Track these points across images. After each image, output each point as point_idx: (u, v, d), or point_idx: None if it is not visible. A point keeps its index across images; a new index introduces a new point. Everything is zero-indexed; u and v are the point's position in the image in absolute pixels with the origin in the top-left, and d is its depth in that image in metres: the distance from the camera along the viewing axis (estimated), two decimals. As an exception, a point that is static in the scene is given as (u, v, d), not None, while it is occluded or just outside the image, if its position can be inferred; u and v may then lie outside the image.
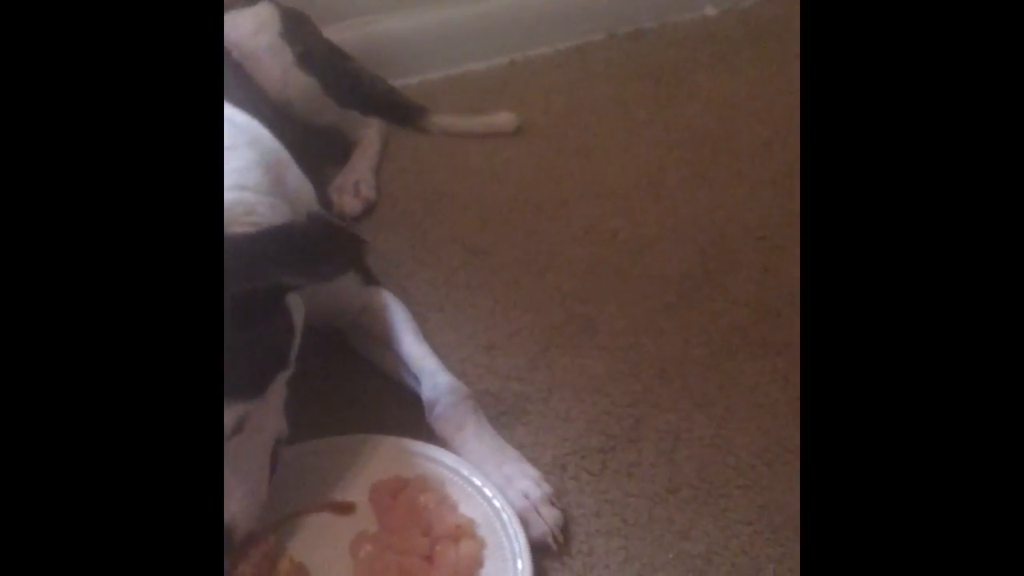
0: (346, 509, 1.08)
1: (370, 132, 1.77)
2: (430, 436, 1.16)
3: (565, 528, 1.08)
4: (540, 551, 1.05)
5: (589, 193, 1.63)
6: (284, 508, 1.06)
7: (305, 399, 1.11)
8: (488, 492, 1.07)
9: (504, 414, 1.24)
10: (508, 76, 2.01)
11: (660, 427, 1.20)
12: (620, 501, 1.12)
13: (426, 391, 1.19)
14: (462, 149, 1.78)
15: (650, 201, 1.60)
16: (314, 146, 1.60)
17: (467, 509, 1.06)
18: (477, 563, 1.01)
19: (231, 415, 0.94)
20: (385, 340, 1.28)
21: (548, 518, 1.06)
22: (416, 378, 1.22)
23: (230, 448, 0.95)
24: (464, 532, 1.03)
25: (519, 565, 1.00)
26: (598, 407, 1.24)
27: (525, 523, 1.05)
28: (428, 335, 1.30)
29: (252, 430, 0.99)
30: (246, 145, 1.13)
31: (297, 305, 1.06)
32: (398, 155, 1.78)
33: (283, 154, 1.22)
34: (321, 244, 0.99)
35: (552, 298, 1.42)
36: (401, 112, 1.83)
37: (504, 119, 1.79)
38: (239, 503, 0.97)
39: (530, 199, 1.63)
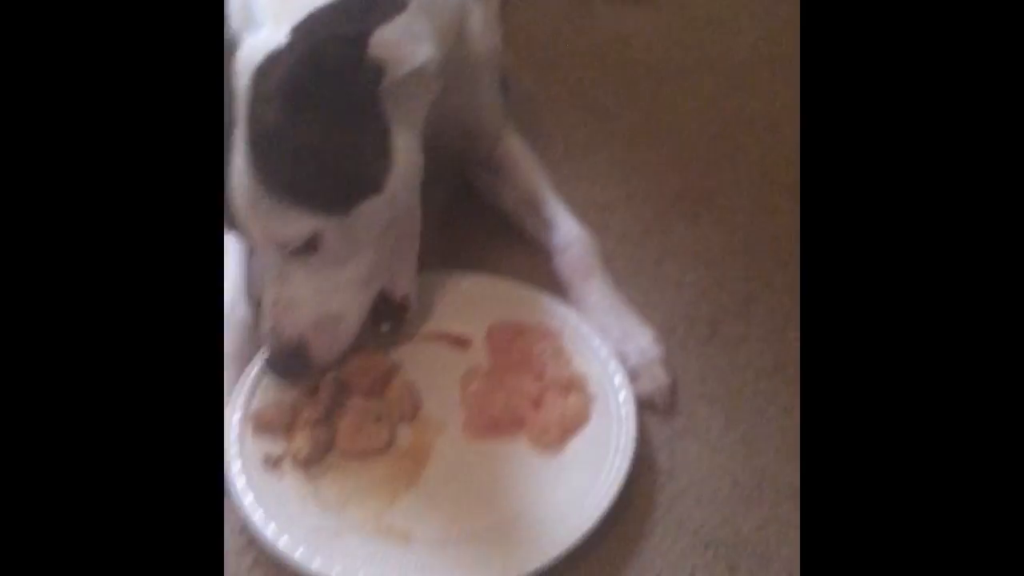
0: (462, 343, 1.12)
1: None
2: (545, 286, 1.18)
3: (672, 390, 1.10)
4: (645, 407, 1.07)
5: (717, 66, 1.60)
6: (403, 332, 1.10)
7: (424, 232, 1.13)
8: (603, 352, 1.08)
9: (616, 273, 1.25)
10: None
11: (772, 306, 1.21)
12: (725, 370, 1.14)
13: (558, 236, 1.21)
14: (589, 7, 1.73)
15: (780, 81, 1.56)
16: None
17: (580, 364, 1.08)
18: (583, 417, 1.04)
19: (300, 225, 0.95)
20: (518, 182, 1.28)
21: (658, 377, 1.09)
22: (545, 223, 1.23)
23: (319, 264, 0.98)
24: (575, 385, 1.06)
25: (624, 423, 1.02)
26: (710, 278, 1.25)
27: (636, 377, 1.08)
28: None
29: (331, 255, 0.98)
30: None
31: (407, 140, 1.01)
32: (523, 4, 1.74)
33: None
34: None
35: (671, 167, 1.41)
36: None
37: None
38: (320, 341, 1.01)
39: (655, 66, 1.60)
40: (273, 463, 0.99)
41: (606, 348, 1.09)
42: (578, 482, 0.98)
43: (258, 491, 0.96)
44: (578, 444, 1.02)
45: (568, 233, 1.21)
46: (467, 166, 1.33)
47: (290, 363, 1.02)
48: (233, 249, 1.15)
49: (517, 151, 1.31)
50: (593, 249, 1.21)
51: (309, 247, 0.97)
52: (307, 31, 0.91)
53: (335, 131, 0.93)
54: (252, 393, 1.04)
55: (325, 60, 0.90)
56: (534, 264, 1.22)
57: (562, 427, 1.02)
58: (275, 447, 1.00)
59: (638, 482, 1.01)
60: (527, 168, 1.29)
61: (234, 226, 0.97)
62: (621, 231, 1.32)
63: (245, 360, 1.08)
